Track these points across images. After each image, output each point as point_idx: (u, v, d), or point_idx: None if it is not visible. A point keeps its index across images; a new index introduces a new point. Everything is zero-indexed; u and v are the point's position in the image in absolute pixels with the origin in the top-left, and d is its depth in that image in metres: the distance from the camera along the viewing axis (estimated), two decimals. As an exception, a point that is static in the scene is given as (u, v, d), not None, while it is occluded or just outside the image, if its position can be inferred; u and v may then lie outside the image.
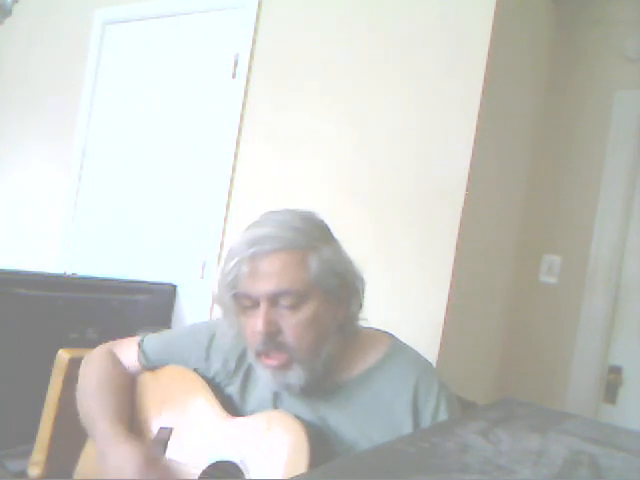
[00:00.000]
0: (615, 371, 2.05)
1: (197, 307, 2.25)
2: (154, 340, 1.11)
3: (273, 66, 2.20)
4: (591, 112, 2.13)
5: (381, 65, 1.94)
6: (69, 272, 2.52)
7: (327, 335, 0.90)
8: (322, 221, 0.96)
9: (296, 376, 0.88)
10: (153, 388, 1.07)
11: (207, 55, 2.44)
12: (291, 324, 0.87)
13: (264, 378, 0.92)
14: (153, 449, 0.97)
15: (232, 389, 1.01)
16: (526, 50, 2.04)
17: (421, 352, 1.00)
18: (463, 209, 1.71)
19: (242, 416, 0.97)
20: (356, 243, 0.95)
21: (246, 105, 2.23)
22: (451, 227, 1.72)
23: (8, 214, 3.20)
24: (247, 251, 0.88)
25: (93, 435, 1.01)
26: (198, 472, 0.93)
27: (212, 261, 2.24)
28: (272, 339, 0.87)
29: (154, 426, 1.03)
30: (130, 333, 1.17)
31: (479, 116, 1.71)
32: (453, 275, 1.71)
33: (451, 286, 1.71)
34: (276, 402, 0.96)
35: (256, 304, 0.88)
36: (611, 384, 2.05)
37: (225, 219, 2.23)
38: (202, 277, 2.27)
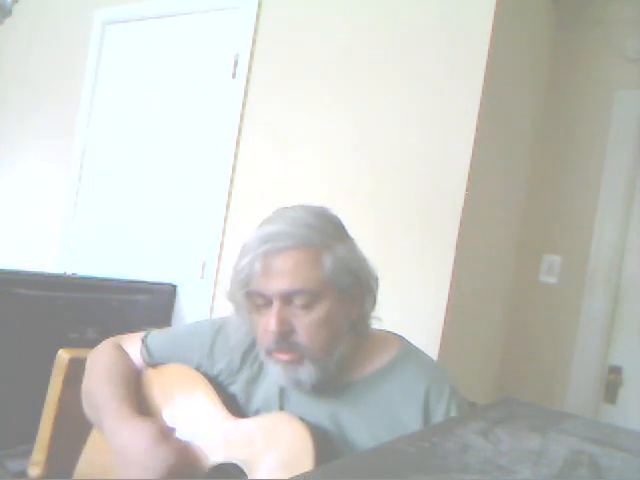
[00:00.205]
0: (615, 371, 2.05)
1: (197, 307, 2.25)
2: (158, 337, 1.11)
3: (273, 66, 2.20)
4: (591, 112, 2.14)
5: (381, 65, 1.94)
6: (69, 272, 2.52)
7: (340, 334, 0.90)
8: (336, 217, 0.95)
9: (307, 372, 0.87)
10: (156, 386, 1.06)
11: (207, 55, 2.44)
12: (304, 323, 0.86)
13: (275, 374, 0.91)
14: (165, 424, 0.96)
15: (236, 387, 1.01)
16: (526, 50, 2.04)
17: (421, 352, 1.00)
18: (463, 209, 1.71)
19: (246, 415, 0.97)
20: (356, 243, 0.94)
21: (246, 105, 2.24)
22: (451, 227, 1.72)
23: (8, 214, 3.20)
24: (260, 248, 0.86)
25: (101, 418, 0.99)
26: (208, 459, 0.92)
27: (212, 261, 2.24)
28: (285, 338, 0.86)
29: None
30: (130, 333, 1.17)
31: (479, 116, 1.71)
32: (453, 275, 1.71)
33: (451, 286, 1.71)
34: (283, 400, 0.95)
35: (269, 302, 0.87)
36: (611, 384, 2.05)
37: (225, 219, 2.23)
38: (202, 277, 2.27)
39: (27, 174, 3.16)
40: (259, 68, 2.23)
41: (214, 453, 0.93)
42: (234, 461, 0.90)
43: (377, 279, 0.94)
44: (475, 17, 1.75)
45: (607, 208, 2.07)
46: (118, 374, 1.04)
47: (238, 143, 2.24)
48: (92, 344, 1.15)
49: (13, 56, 3.34)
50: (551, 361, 2.11)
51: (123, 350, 1.11)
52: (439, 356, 1.67)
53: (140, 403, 1.03)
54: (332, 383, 0.91)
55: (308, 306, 0.86)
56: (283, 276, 0.85)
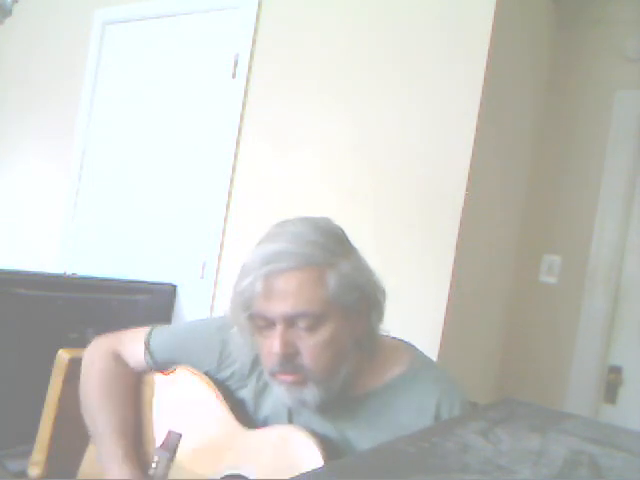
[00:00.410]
0: (615, 371, 2.05)
1: (197, 307, 2.25)
2: (161, 338, 1.07)
3: (273, 66, 2.20)
4: (591, 112, 2.14)
5: (381, 65, 1.94)
6: (69, 272, 2.52)
7: (345, 354, 0.87)
8: (339, 229, 0.91)
9: (311, 394, 0.85)
10: (162, 391, 1.05)
11: (207, 55, 2.44)
12: (308, 346, 0.84)
13: (279, 394, 0.89)
14: (160, 453, 0.96)
15: (245, 393, 0.99)
16: (526, 50, 2.04)
17: (421, 352, 1.00)
18: (463, 209, 1.71)
19: (255, 422, 0.95)
20: (356, 243, 0.93)
21: (246, 105, 2.24)
22: (451, 227, 1.72)
23: (8, 214, 3.20)
24: (261, 269, 0.83)
25: (96, 442, 1.01)
26: None
27: (212, 261, 2.24)
28: (289, 361, 0.84)
29: (161, 430, 1.01)
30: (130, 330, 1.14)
31: (479, 116, 1.71)
32: (453, 275, 1.71)
33: (451, 286, 1.71)
34: (291, 410, 0.93)
35: (272, 324, 0.85)
36: (611, 384, 2.05)
37: (225, 219, 2.23)
38: (202, 277, 2.27)
39: (27, 174, 3.16)
40: (259, 68, 2.23)
41: (221, 463, 0.92)
42: (242, 472, 0.88)
43: (384, 291, 0.91)
44: (475, 17, 1.75)
45: (607, 208, 2.07)
46: (113, 395, 1.03)
47: (238, 143, 2.24)
48: (92, 344, 1.14)
49: (13, 56, 3.34)
50: (551, 361, 2.11)
51: (119, 359, 1.08)
52: (439, 356, 1.67)
53: (140, 412, 1.02)
54: (341, 395, 0.89)
55: (312, 328, 0.83)
56: (286, 298, 0.83)
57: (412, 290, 1.76)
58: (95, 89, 2.84)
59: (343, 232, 0.92)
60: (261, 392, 0.97)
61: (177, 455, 0.96)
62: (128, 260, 2.51)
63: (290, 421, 0.93)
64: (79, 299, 2.00)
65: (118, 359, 1.08)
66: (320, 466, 0.54)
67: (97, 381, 1.04)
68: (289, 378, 0.85)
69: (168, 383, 1.05)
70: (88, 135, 2.83)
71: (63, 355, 1.15)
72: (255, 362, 0.97)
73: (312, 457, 0.82)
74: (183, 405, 1.02)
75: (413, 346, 0.98)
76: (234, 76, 2.28)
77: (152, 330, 1.09)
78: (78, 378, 1.07)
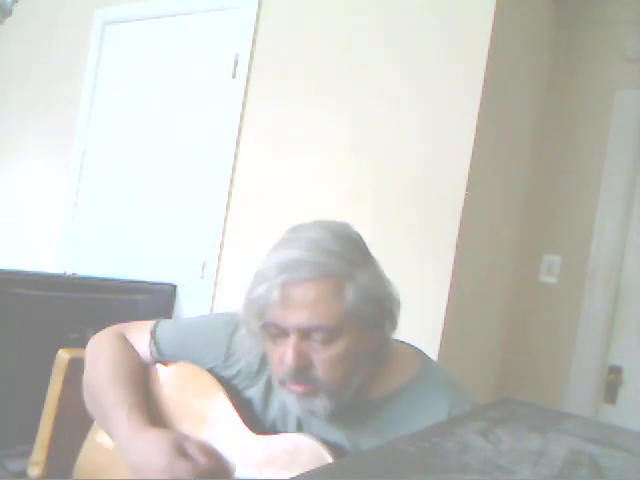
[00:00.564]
0: (615, 371, 2.05)
1: (197, 307, 2.25)
2: (168, 332, 1.05)
3: (273, 66, 2.20)
4: (591, 112, 2.14)
5: (381, 65, 1.94)
6: (69, 272, 2.52)
7: (358, 367, 0.85)
8: (358, 237, 0.88)
9: (322, 405, 0.83)
10: (166, 386, 1.02)
11: (207, 55, 2.44)
12: (322, 358, 0.82)
13: (288, 403, 0.87)
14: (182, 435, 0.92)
15: (253, 392, 0.97)
16: (526, 50, 2.04)
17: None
18: (463, 209, 1.71)
19: (262, 424, 0.93)
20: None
21: (246, 105, 2.24)
22: (451, 227, 1.72)
23: (8, 214, 3.20)
24: (278, 278, 0.80)
25: (109, 425, 0.96)
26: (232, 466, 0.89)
27: (212, 261, 2.24)
28: (302, 372, 0.82)
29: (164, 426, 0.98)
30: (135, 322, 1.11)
31: (479, 116, 1.71)
32: (453, 275, 1.71)
33: (451, 286, 1.71)
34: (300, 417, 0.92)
35: (285, 333, 0.83)
36: (611, 384, 2.05)
37: (225, 219, 2.23)
38: (202, 277, 2.27)
39: (27, 174, 3.16)
40: (259, 68, 2.23)
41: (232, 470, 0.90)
42: (251, 479, 0.87)
43: (399, 302, 0.88)
44: (475, 17, 1.75)
45: (607, 208, 2.07)
46: (125, 374, 0.99)
47: (238, 143, 2.24)
48: (92, 344, 1.14)
49: (13, 56, 3.34)
50: (551, 361, 2.11)
51: (128, 343, 1.05)
52: (439, 356, 1.67)
53: (147, 402, 0.99)
54: (351, 402, 0.87)
55: (327, 341, 0.81)
56: (302, 309, 0.80)
57: (412, 290, 1.76)
58: (95, 89, 2.84)
59: (361, 239, 0.89)
60: (269, 391, 0.95)
61: None
62: (128, 260, 2.51)
63: (299, 426, 0.92)
64: (79, 299, 2.00)
65: (127, 343, 1.06)
66: (320, 466, 0.54)
67: (107, 360, 1.01)
68: (300, 389, 0.83)
69: (171, 375, 1.03)
70: (88, 135, 2.83)
71: (63, 355, 1.15)
72: (263, 360, 0.95)
73: None
74: (187, 402, 0.99)
75: (421, 350, 0.97)
76: (234, 76, 2.29)
77: (158, 322, 1.07)
78: (78, 378, 1.06)
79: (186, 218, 2.39)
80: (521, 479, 0.41)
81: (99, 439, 1.03)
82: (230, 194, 2.23)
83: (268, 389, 0.95)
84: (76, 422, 1.05)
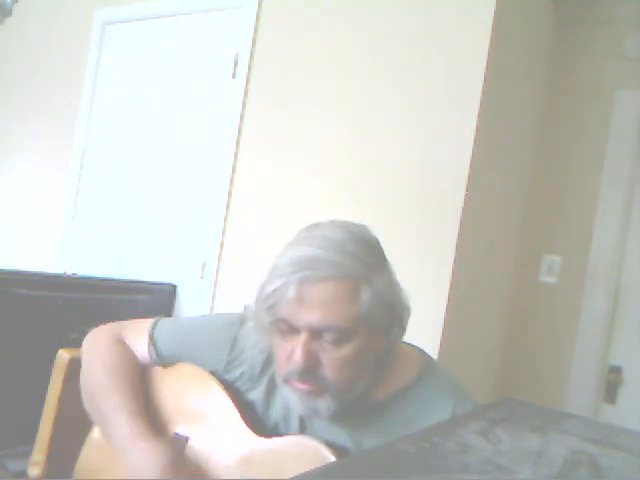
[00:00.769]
0: (615, 371, 2.05)
1: (197, 307, 2.25)
2: (167, 333, 1.03)
3: (273, 66, 2.20)
4: (591, 112, 2.14)
5: (381, 65, 1.94)
6: (69, 272, 2.52)
7: (365, 369, 0.85)
8: (375, 240, 0.88)
9: (326, 406, 0.83)
10: (166, 388, 1.02)
11: (207, 55, 2.44)
12: (331, 359, 0.81)
13: (290, 401, 0.86)
14: (178, 449, 0.91)
15: (255, 394, 0.96)
16: (526, 50, 2.04)
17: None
18: (463, 209, 1.71)
19: (264, 425, 0.93)
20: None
21: (246, 105, 2.24)
22: (451, 227, 1.72)
23: (8, 214, 3.20)
24: (295, 274, 0.79)
25: (108, 429, 0.96)
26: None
27: (212, 261, 2.24)
28: (310, 371, 0.81)
29: (167, 432, 0.98)
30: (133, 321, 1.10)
31: (479, 116, 1.71)
32: (453, 275, 1.71)
33: (451, 286, 1.71)
34: (303, 417, 0.91)
35: (296, 330, 0.82)
36: (611, 384, 2.05)
37: (225, 219, 2.23)
38: (202, 277, 2.27)
39: (27, 174, 3.16)
40: (259, 68, 2.23)
41: (229, 470, 0.90)
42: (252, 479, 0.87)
43: (409, 310, 0.88)
44: (475, 17, 1.75)
45: (607, 208, 2.07)
46: (124, 378, 0.98)
47: (238, 143, 2.24)
48: (92, 344, 1.13)
49: (13, 56, 3.34)
50: (551, 361, 2.11)
51: (125, 345, 1.04)
52: (439, 356, 1.67)
53: (147, 405, 0.99)
54: (355, 403, 0.87)
55: (338, 342, 0.81)
56: (316, 309, 0.79)
57: (412, 290, 1.75)
58: (95, 89, 2.84)
59: (378, 242, 0.89)
60: (271, 393, 0.94)
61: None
62: (128, 260, 2.51)
63: (302, 427, 0.91)
64: (79, 299, 2.00)
65: (124, 344, 1.04)
66: (320, 466, 0.54)
67: (104, 363, 1.00)
68: (305, 387, 0.82)
69: (172, 378, 1.02)
70: (88, 135, 2.83)
71: (63, 355, 1.15)
72: (266, 363, 0.95)
73: None
74: (187, 404, 0.99)
75: (423, 351, 0.97)
76: (234, 76, 2.29)
77: (157, 322, 1.05)
78: (78, 378, 1.06)
79: (186, 218, 2.39)
80: (521, 479, 0.41)
81: (99, 439, 1.03)
82: (230, 194, 2.23)
83: (270, 390, 0.94)
84: (76, 422, 1.05)
